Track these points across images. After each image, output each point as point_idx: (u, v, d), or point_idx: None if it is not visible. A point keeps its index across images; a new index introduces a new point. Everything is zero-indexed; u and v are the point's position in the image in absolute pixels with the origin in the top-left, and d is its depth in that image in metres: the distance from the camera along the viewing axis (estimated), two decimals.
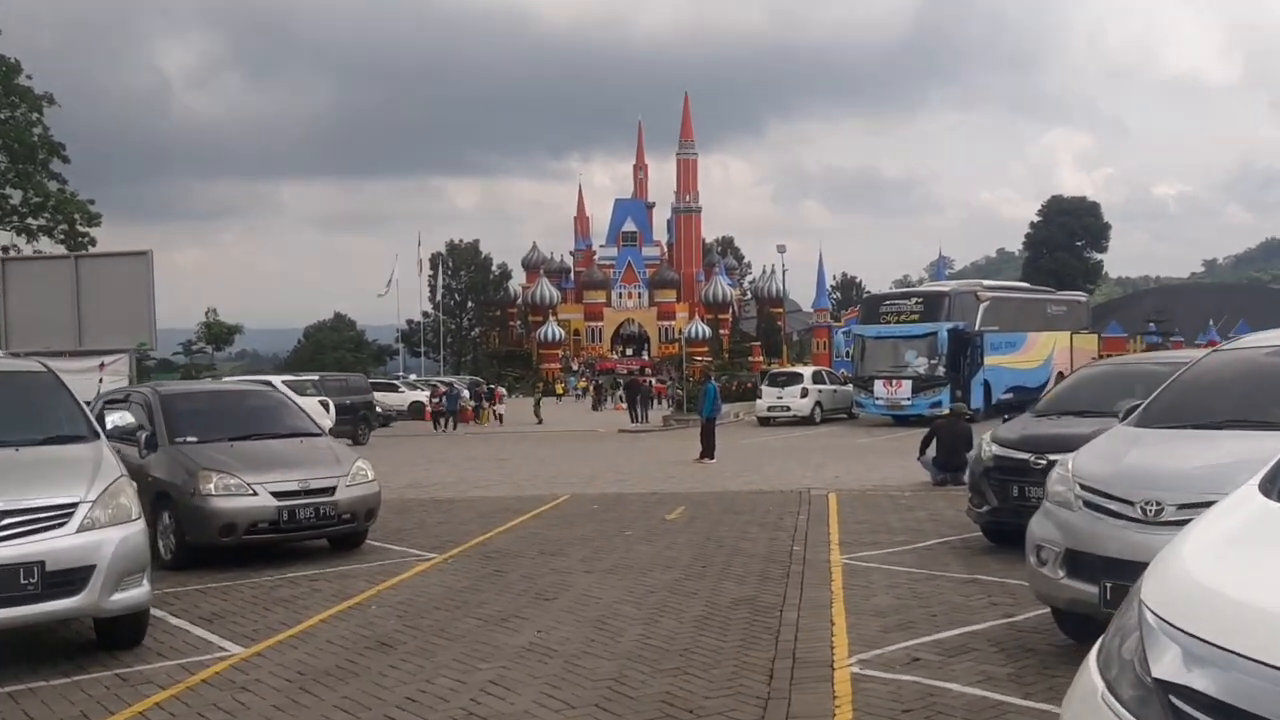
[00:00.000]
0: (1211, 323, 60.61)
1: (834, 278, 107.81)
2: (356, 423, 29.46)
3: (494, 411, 38.25)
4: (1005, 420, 14.77)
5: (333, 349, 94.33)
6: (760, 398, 33.72)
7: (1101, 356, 41.03)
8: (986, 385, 30.91)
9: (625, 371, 73.61)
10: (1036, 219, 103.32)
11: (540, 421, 40.45)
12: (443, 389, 37.01)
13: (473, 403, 39.78)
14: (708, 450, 20.63)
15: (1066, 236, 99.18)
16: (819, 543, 10.50)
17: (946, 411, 15.40)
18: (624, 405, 40.23)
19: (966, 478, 10.05)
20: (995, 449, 9.64)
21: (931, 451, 15.03)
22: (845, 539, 10.67)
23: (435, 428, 34.91)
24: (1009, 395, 32.22)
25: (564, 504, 14.26)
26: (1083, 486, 6.00)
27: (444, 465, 22.03)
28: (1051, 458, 9.00)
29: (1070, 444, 9.07)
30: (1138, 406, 6.83)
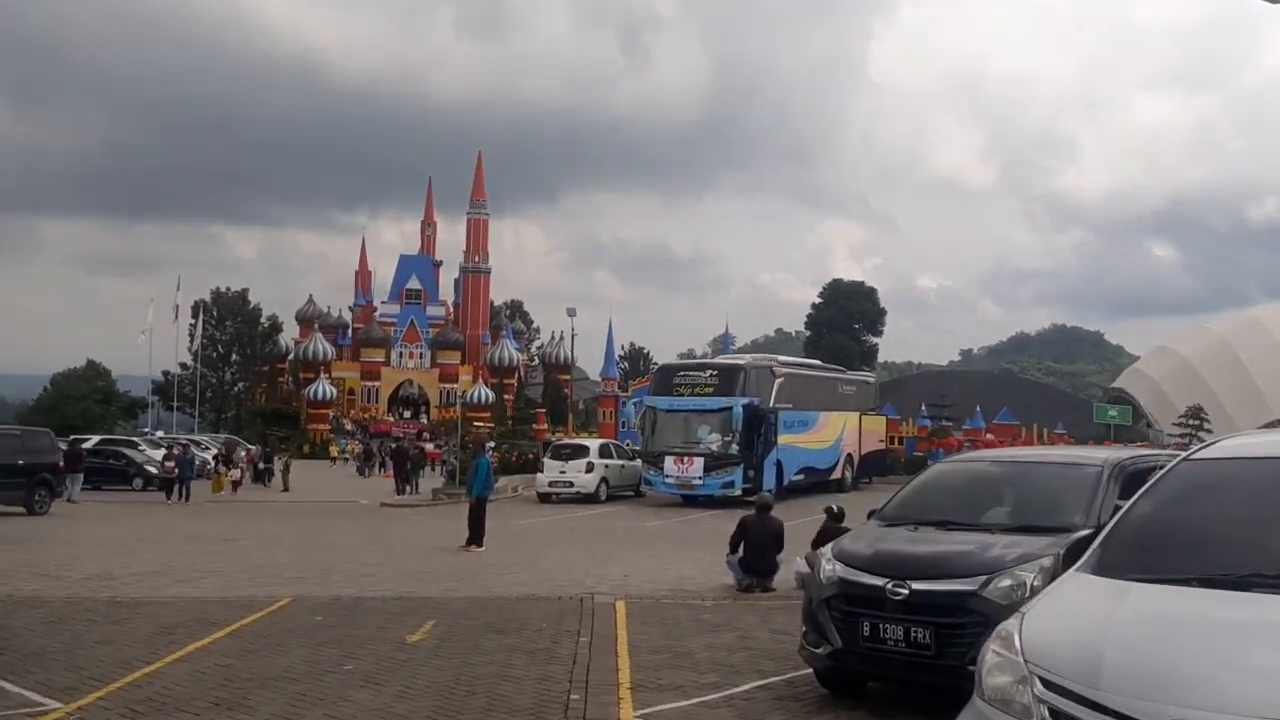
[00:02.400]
0: (979, 409, 62.52)
1: (622, 347, 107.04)
2: (32, 488, 24.74)
3: (229, 479, 33.87)
4: (832, 516, 12.77)
5: (78, 399, 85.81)
6: (542, 471, 30.98)
7: (889, 438, 40.78)
8: (779, 465, 29.31)
9: (401, 435, 69.44)
10: (818, 300, 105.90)
11: (286, 489, 36.16)
12: (177, 450, 32.21)
13: (222, 466, 35.14)
14: (475, 536, 17.72)
15: (845, 319, 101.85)
16: (604, 685, 7.88)
17: (754, 501, 13.06)
18: (392, 473, 36.50)
19: (803, 612, 7.66)
20: (840, 570, 7.32)
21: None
22: (638, 679, 8.10)
23: (168, 496, 30.24)
24: (800, 476, 30.84)
25: (280, 612, 11.09)
26: (1046, 683, 3.64)
27: (156, 547, 18.19)
28: (917, 586, 6.78)
29: (942, 567, 6.90)
30: (1088, 539, 4.60)
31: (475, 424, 72.58)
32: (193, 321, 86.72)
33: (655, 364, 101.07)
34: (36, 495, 24.82)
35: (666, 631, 10.12)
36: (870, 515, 8.49)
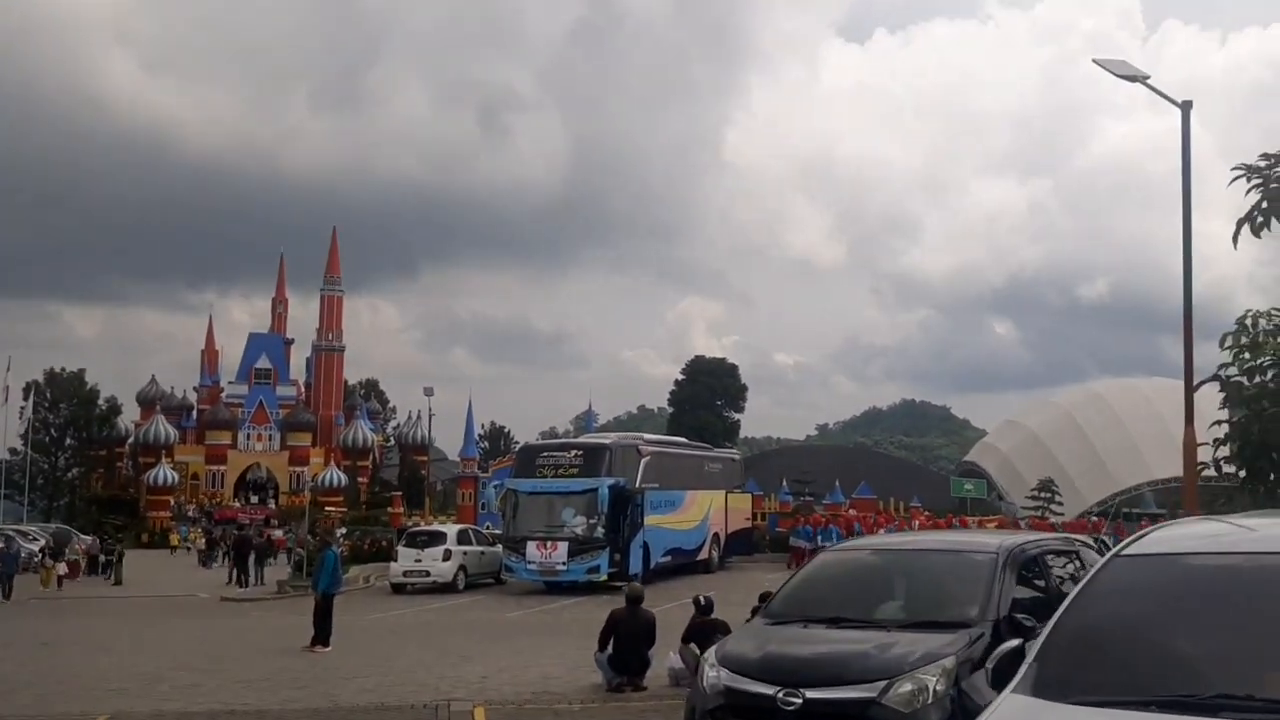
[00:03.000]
0: (838, 484, 63.30)
1: (482, 426, 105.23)
2: None
3: (56, 572, 31.18)
4: (700, 609, 12.02)
5: None
6: (395, 560, 29.43)
7: (755, 515, 40.49)
8: (646, 547, 28.52)
9: (248, 522, 66.10)
10: (681, 377, 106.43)
11: (119, 583, 33.56)
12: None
13: (49, 559, 32.20)
14: (321, 635, 16.36)
15: (708, 395, 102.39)
16: None
17: (624, 592, 12.26)
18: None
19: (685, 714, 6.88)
20: (725, 677, 6.58)
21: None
22: None
23: None
24: (667, 558, 30.11)
25: None
26: None
27: None
28: (812, 695, 6.11)
29: (837, 671, 6.25)
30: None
31: (327, 509, 69.73)
32: (24, 404, 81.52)
33: (516, 443, 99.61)
34: None
35: None
36: (754, 611, 7.80)
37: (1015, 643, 3.99)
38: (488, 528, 34.42)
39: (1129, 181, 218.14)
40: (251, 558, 32.65)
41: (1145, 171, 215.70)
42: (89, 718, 10.41)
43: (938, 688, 5.97)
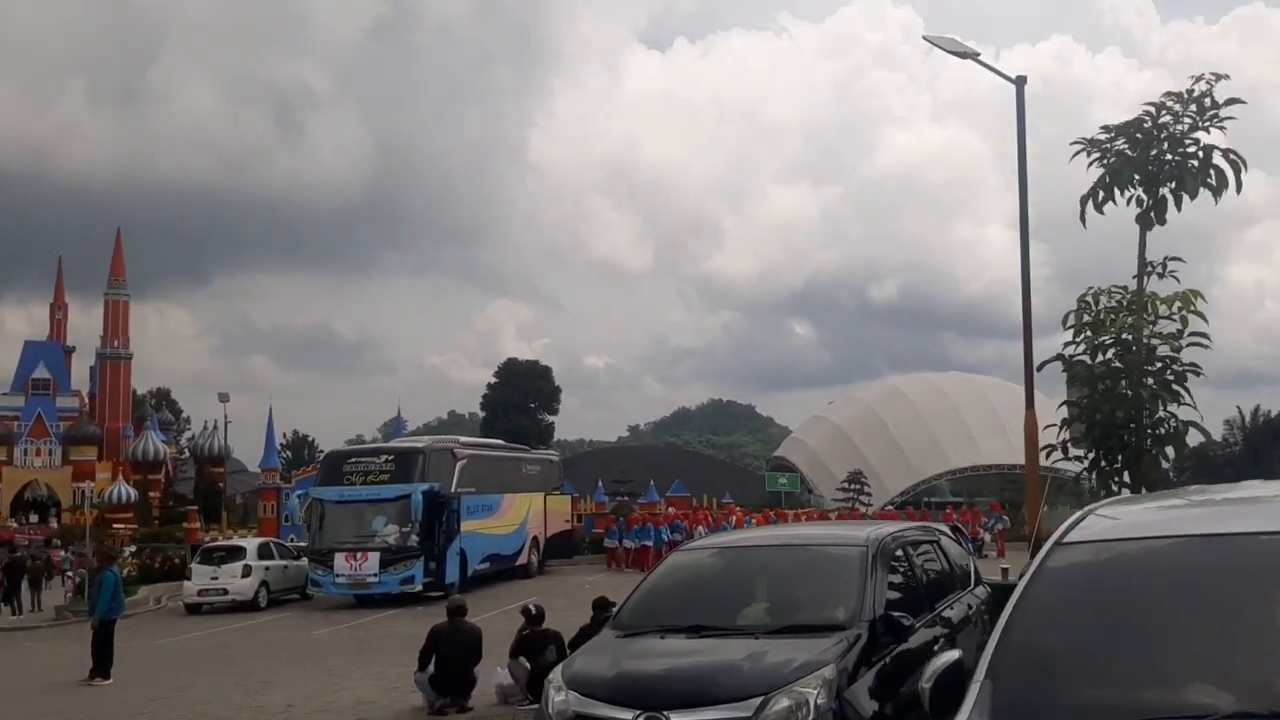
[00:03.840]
0: (652, 483, 63.56)
1: (284, 436, 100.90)
2: None
3: None
4: (530, 618, 11.08)
5: None
6: (189, 579, 27.21)
7: (575, 516, 39.75)
8: (463, 554, 27.34)
9: (27, 543, 60.88)
10: (493, 380, 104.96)
11: None
12: None
13: None
14: (100, 666, 14.62)
15: (521, 398, 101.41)
16: None
17: (446, 605, 11.26)
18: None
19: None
20: (574, 701, 5.76)
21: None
22: None
23: None
24: (485, 565, 29.02)
25: None
26: None
27: None
28: (677, 718, 5.36)
29: (704, 689, 5.52)
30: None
31: (115, 526, 65.09)
32: None
33: (321, 452, 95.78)
34: None
35: None
36: (600, 623, 6.99)
37: (952, 655, 3.29)
38: (292, 540, 32.47)
39: (911, 188, 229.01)
40: (25, 582, 29.61)
41: (926, 179, 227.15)
42: None
43: (818, 701, 5.34)
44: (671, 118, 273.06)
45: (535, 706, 10.76)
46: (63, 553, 47.91)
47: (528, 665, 10.79)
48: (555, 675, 6.12)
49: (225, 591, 26.37)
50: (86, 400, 79.63)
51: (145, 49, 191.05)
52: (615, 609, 11.63)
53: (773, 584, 6.69)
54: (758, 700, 5.34)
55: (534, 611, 11.13)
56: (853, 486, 48.11)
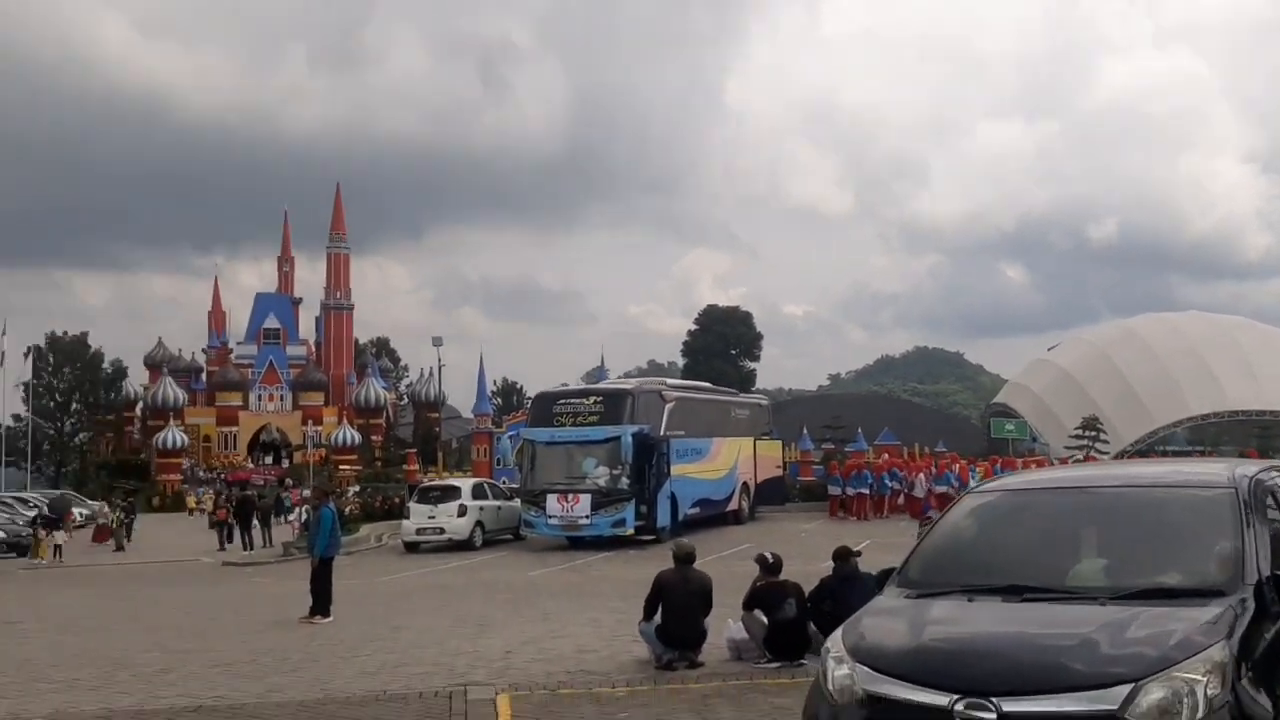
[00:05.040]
0: (860, 430, 61.60)
1: (494, 382, 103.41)
2: None
3: (52, 541, 29.22)
4: (767, 567, 9.88)
5: None
6: (408, 517, 27.51)
7: (787, 464, 38.45)
8: (673, 499, 26.54)
9: (262, 483, 64.47)
10: (693, 328, 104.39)
11: (120, 549, 31.89)
12: None
13: (41, 530, 30.09)
14: (319, 604, 14.42)
15: (722, 345, 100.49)
16: None
17: (673, 551, 10.17)
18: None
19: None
20: (864, 678, 4.48)
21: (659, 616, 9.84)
22: None
23: None
24: (696, 510, 28.15)
25: None
26: None
27: None
28: (1012, 708, 4.01)
29: (1047, 669, 4.16)
30: None
31: (340, 467, 68.17)
32: (29, 371, 79.63)
33: (529, 398, 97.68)
34: None
35: None
36: (844, 577, 5.65)
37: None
38: (504, 483, 32.53)
39: (1132, 120, 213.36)
40: (255, 519, 30.77)
41: (1148, 110, 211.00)
42: None
43: (1209, 691, 3.90)
44: (873, 56, 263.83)
45: (773, 664, 9.64)
46: (305, 492, 50.06)
47: (764, 619, 9.63)
48: (834, 644, 4.84)
49: (442, 531, 26.51)
50: (313, 349, 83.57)
51: (358, 12, 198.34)
52: (845, 559, 10.41)
53: (1108, 535, 5.15)
54: (1124, 689, 3.94)
55: (770, 560, 9.92)
56: (1087, 433, 44.80)
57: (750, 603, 9.81)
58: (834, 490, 33.86)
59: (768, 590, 9.74)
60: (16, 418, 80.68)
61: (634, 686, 9.07)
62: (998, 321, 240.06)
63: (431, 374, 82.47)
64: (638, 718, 7.94)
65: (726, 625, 10.17)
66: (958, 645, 4.44)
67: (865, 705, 4.38)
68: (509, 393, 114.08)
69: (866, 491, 33.36)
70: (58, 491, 55.00)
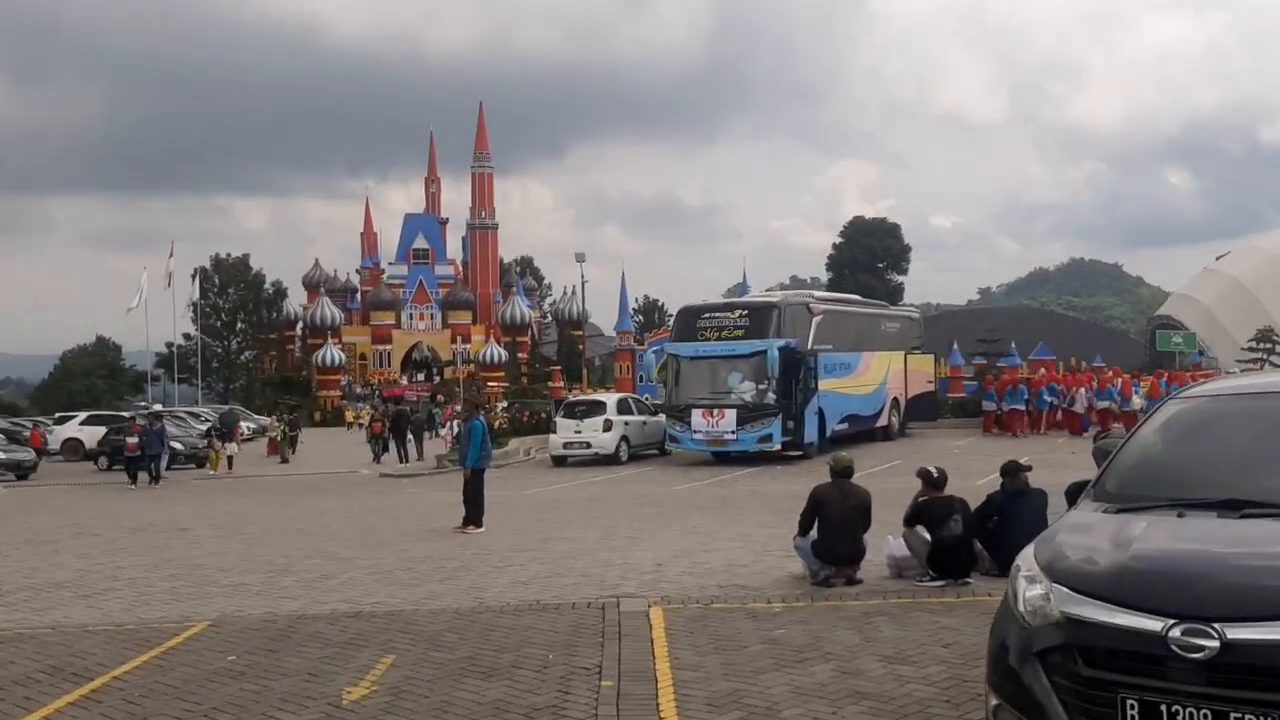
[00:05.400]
0: (1014, 345, 59.47)
1: (636, 300, 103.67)
2: None
3: (225, 453, 30.63)
4: (931, 481, 9.39)
5: (83, 375, 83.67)
6: (555, 432, 27.79)
7: (939, 379, 37.33)
8: (821, 415, 26.02)
9: (415, 399, 66.40)
10: (839, 240, 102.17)
11: (285, 461, 33.34)
12: (141, 423, 28.62)
13: (216, 442, 31.51)
14: (473, 515, 14.59)
15: (869, 258, 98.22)
16: None
17: (830, 465, 9.75)
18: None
19: (990, 664, 4.32)
20: (1060, 599, 4.03)
21: (815, 532, 9.51)
22: None
23: (131, 480, 26.53)
24: (844, 426, 27.58)
25: (182, 648, 7.95)
26: None
27: (87, 543, 15.12)
28: (1236, 634, 3.52)
29: (1259, 586, 3.65)
30: None
31: (488, 383, 69.70)
32: (196, 292, 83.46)
33: (671, 315, 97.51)
34: None
35: (728, 661, 6.93)
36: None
37: None
38: (646, 399, 32.53)
39: None
40: (408, 432, 31.61)
41: None
42: (185, 625, 8.69)
43: None
44: None
45: (937, 583, 9.21)
46: (456, 407, 51.19)
47: (927, 536, 9.19)
48: (1026, 562, 4.40)
49: (588, 445, 26.70)
50: (460, 268, 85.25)
51: None
52: (1012, 473, 9.84)
53: None
54: None
55: (935, 475, 9.43)
56: (1261, 346, 42.13)
57: (913, 518, 9.37)
58: (988, 406, 32.69)
59: (932, 505, 9.27)
60: (187, 337, 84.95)
61: (790, 603, 8.79)
62: (1160, 231, 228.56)
63: (574, 292, 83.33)
64: (795, 634, 7.65)
65: (886, 542, 9.77)
66: (1171, 565, 3.94)
67: (1063, 628, 3.94)
68: (650, 310, 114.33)
69: (1022, 407, 32.14)
70: (226, 407, 57.77)
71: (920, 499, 9.47)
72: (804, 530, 9.49)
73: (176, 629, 8.56)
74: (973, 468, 20.77)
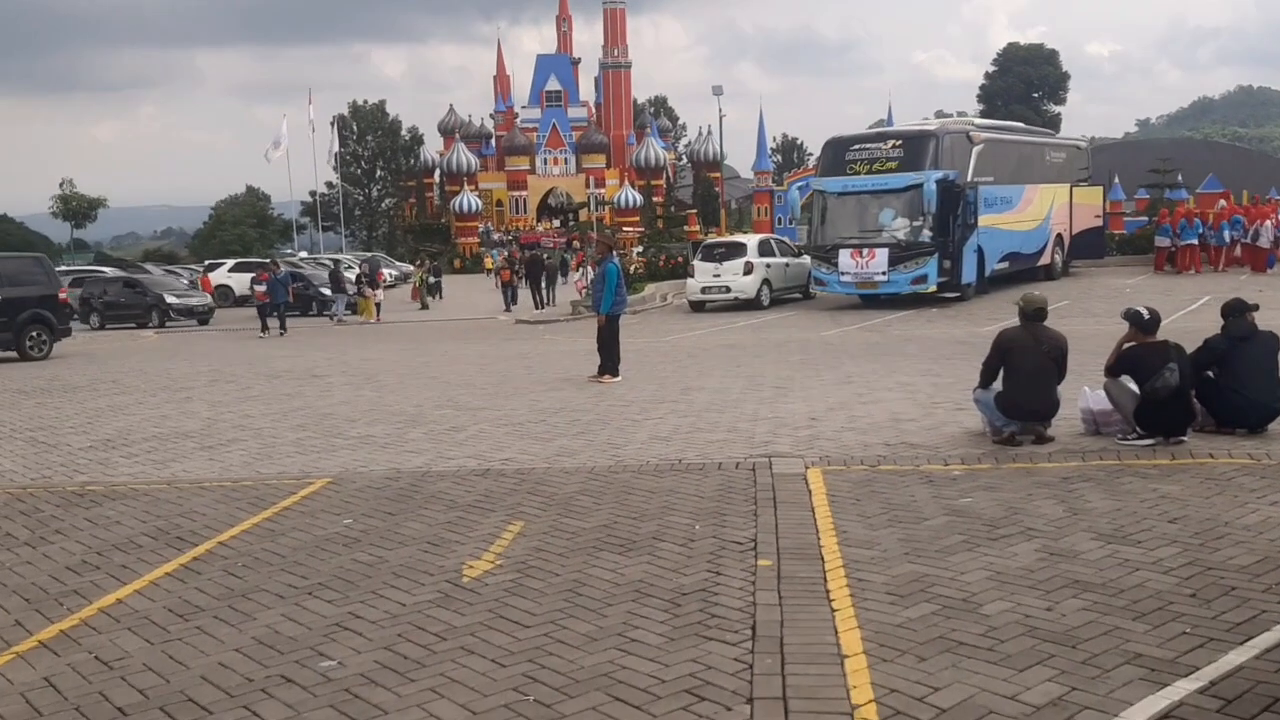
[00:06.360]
0: (1180, 177, 55.22)
1: (774, 139, 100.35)
2: (19, 329, 21.01)
3: (374, 301, 30.46)
4: (1140, 324, 7.96)
5: (233, 224, 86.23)
6: (692, 276, 26.65)
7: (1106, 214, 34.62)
8: (980, 253, 24.14)
9: (552, 244, 66.04)
10: (991, 69, 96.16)
11: (425, 307, 33.29)
12: (266, 273, 27.86)
13: (367, 289, 31.21)
14: (608, 364, 13.72)
15: (1024, 88, 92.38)
16: (820, 694, 3.78)
17: (1020, 306, 8.36)
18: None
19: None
20: None
21: (997, 385, 8.24)
22: (886, 682, 3.93)
23: (262, 330, 26.32)
24: (1004, 264, 25.69)
25: (297, 509, 7.31)
26: None
27: (220, 390, 14.89)
28: None
29: None
30: None
31: (624, 228, 68.74)
32: (335, 141, 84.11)
33: (811, 155, 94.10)
34: (29, 337, 21.17)
35: (907, 537, 5.87)
36: (1237, 337, 3.81)
37: None
38: (787, 241, 30.98)
39: None
40: (543, 278, 30.97)
41: None
42: (304, 482, 8.07)
43: None
44: None
45: (1145, 441, 7.88)
46: (589, 250, 50.44)
47: (1134, 388, 7.84)
48: None
49: (728, 289, 25.55)
50: (593, 110, 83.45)
51: None
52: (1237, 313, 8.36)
53: None
54: None
55: (1146, 316, 7.99)
56: None
57: (1117, 367, 8.01)
58: (1162, 241, 30.09)
59: (1142, 352, 7.87)
60: (330, 185, 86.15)
61: (970, 465, 7.63)
62: None
63: (710, 131, 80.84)
64: (984, 503, 6.52)
65: (1081, 393, 8.45)
66: None
67: None
68: (789, 149, 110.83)
69: (1196, 242, 29.50)
70: (369, 254, 58.47)
71: (1127, 344, 8.07)
72: (986, 381, 8.23)
73: (295, 486, 7.95)
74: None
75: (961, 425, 9.03)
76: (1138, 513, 6.17)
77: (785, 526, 6.15)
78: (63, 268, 52.23)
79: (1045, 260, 27.90)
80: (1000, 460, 7.69)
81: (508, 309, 30.67)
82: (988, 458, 7.79)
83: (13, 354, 20.99)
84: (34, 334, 21.36)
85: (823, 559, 5.55)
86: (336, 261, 31.33)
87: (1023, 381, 7.97)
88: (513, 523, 6.57)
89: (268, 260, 36.98)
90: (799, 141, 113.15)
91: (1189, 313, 18.36)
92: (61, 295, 22.51)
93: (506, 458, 8.80)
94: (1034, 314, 8.16)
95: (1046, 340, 8.09)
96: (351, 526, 6.72)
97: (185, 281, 39.58)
